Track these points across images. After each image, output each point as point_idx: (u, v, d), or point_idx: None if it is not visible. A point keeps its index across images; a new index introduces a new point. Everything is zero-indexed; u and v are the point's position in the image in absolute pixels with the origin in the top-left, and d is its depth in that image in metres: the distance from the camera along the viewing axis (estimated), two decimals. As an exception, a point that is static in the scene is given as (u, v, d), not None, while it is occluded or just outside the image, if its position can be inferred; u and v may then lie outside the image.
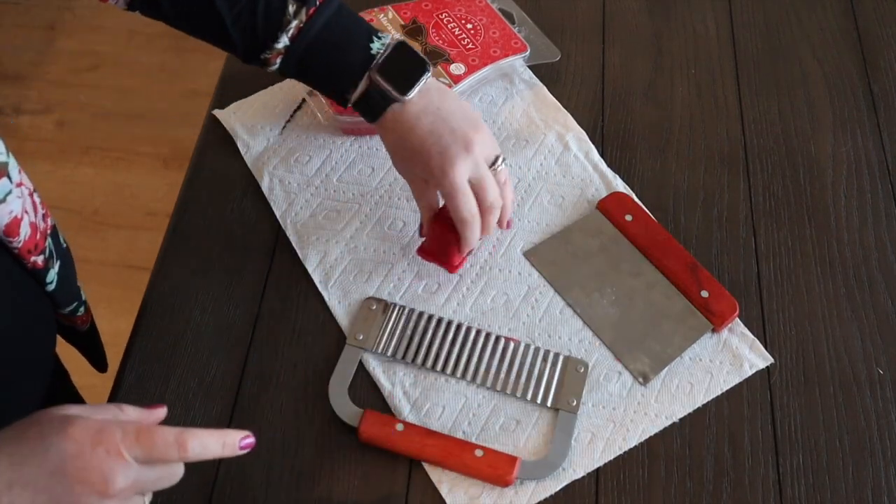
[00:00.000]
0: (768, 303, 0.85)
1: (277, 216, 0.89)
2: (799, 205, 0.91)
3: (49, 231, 0.72)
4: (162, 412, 0.62)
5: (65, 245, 0.76)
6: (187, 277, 0.85)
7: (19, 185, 0.66)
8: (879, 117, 0.99)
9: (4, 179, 0.64)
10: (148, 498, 0.60)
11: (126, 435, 0.55)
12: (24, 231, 0.67)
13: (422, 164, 0.79)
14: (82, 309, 0.80)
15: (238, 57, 0.82)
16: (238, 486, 0.74)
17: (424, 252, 0.84)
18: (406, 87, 0.78)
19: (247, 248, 0.87)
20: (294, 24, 0.77)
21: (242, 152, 0.93)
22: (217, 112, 0.96)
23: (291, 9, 0.77)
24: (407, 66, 0.79)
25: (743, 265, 0.87)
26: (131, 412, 0.60)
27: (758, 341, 0.82)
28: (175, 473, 0.60)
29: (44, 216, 0.71)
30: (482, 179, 0.78)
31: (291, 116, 0.96)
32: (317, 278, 0.85)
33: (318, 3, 0.78)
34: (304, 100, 0.96)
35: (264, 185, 0.91)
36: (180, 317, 0.83)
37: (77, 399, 0.89)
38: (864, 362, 0.81)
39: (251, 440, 0.61)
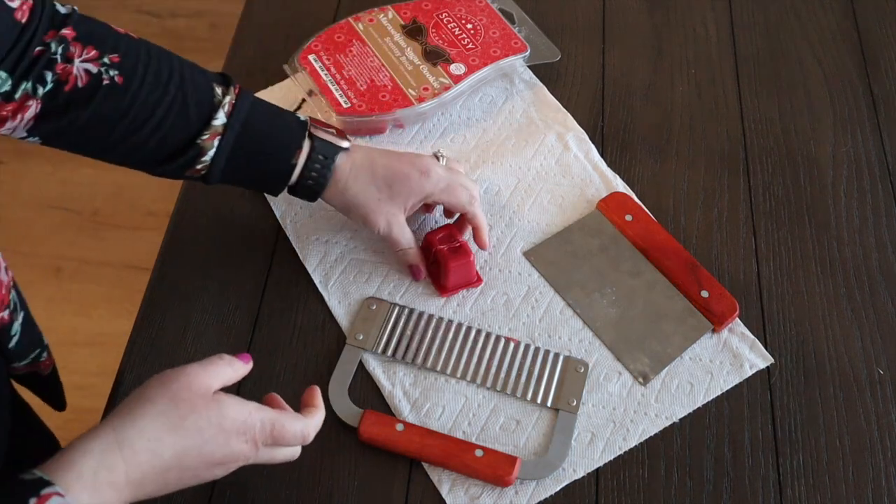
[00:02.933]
0: (768, 303, 0.85)
1: (277, 216, 0.89)
2: (799, 205, 0.91)
3: (11, 284, 0.70)
4: (251, 363, 0.67)
5: (22, 295, 0.74)
6: (187, 277, 0.85)
7: None
8: (879, 117, 0.99)
9: None
10: None
11: (263, 427, 0.63)
12: None
13: (404, 183, 0.80)
14: (45, 354, 0.77)
15: (157, 162, 0.76)
16: (238, 486, 0.74)
17: (448, 290, 0.84)
18: (341, 136, 0.80)
19: (247, 248, 0.87)
20: (227, 100, 0.76)
21: (242, 152, 0.93)
22: (217, 112, 0.96)
23: (219, 90, 0.76)
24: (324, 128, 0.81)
25: (743, 265, 0.87)
26: (238, 367, 0.65)
27: (758, 341, 0.82)
28: (293, 455, 0.68)
29: (5, 269, 0.69)
30: (461, 177, 0.84)
31: (291, 116, 0.96)
32: (317, 278, 0.85)
33: (236, 84, 0.78)
34: (303, 100, 0.96)
35: (264, 185, 0.91)
36: (180, 317, 0.83)
37: (43, 430, 0.86)
38: (864, 362, 0.81)
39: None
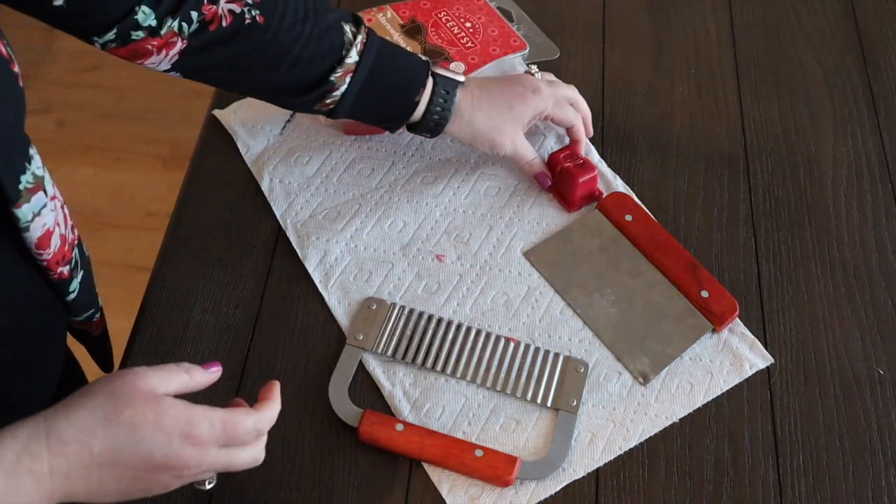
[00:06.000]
0: (768, 303, 0.85)
1: (277, 216, 0.89)
2: (799, 205, 0.91)
3: (76, 242, 0.73)
4: (218, 371, 0.64)
5: (87, 254, 0.77)
6: (187, 277, 0.85)
7: (53, 198, 0.67)
8: (879, 117, 0.99)
9: (40, 193, 0.65)
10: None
11: (213, 427, 0.59)
12: (55, 244, 0.68)
13: (521, 103, 0.86)
14: (98, 315, 0.80)
15: (290, 95, 0.81)
16: (238, 486, 0.74)
17: (575, 204, 0.89)
18: (455, 73, 0.85)
19: (247, 248, 0.87)
20: (359, 39, 0.80)
21: (242, 152, 0.93)
22: (217, 112, 0.96)
23: (349, 28, 0.80)
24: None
25: (743, 265, 0.87)
26: (197, 375, 0.63)
27: (758, 341, 0.82)
28: (256, 458, 0.64)
29: (72, 227, 0.72)
30: (562, 89, 0.90)
31: (291, 116, 0.96)
32: (317, 278, 0.85)
33: (365, 23, 0.82)
34: (304, 100, 0.96)
35: (264, 185, 0.91)
36: (180, 317, 0.83)
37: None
38: (864, 362, 0.81)
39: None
